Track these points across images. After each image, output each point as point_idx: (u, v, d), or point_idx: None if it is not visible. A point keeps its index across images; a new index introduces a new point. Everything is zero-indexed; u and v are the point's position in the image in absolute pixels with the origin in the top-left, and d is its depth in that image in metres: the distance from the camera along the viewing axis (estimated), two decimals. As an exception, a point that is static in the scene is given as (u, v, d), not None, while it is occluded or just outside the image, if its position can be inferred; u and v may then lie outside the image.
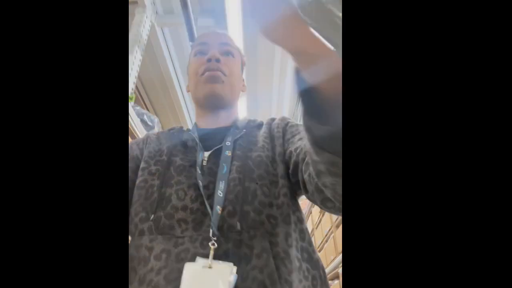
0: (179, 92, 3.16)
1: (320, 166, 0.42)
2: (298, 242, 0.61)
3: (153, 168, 0.68)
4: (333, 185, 0.42)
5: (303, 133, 0.64)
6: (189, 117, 3.47)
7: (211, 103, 0.78)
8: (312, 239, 3.33)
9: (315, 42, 0.31)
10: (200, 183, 0.61)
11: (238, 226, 0.56)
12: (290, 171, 0.64)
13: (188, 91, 0.86)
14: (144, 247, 0.56)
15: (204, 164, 0.67)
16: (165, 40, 2.71)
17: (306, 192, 0.58)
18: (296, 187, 0.64)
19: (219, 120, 0.79)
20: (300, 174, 0.58)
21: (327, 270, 2.77)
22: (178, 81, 3.08)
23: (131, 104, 1.89)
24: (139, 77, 2.21)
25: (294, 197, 0.66)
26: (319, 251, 3.14)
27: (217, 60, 0.77)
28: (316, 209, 3.42)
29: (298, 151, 0.61)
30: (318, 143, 0.37)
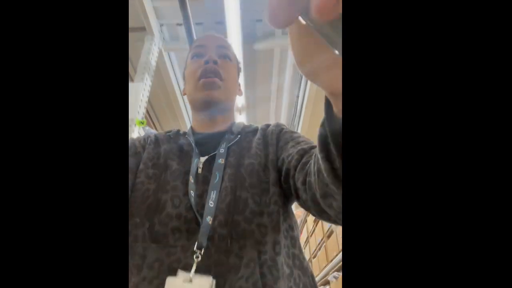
0: (185, 115, 3.18)
1: (333, 193, 0.38)
2: (290, 249, 0.58)
3: (150, 171, 0.64)
4: (340, 208, 0.40)
5: (296, 140, 0.63)
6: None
7: (208, 108, 0.74)
8: (308, 247, 3.30)
9: None
10: (192, 194, 0.58)
11: (228, 237, 0.53)
12: (282, 178, 0.61)
13: (184, 94, 0.81)
14: (138, 255, 0.53)
15: (199, 172, 0.63)
16: (171, 63, 2.74)
17: (298, 198, 0.55)
18: (287, 192, 0.60)
19: (216, 125, 0.75)
20: (292, 181, 0.55)
21: (319, 277, 2.77)
22: (184, 103, 3.10)
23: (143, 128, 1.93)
24: (149, 101, 2.26)
25: (285, 204, 0.62)
26: (313, 257, 3.10)
27: (215, 62, 0.73)
28: (310, 218, 3.39)
29: (290, 158, 0.58)
30: (339, 178, 0.34)
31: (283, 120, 3.35)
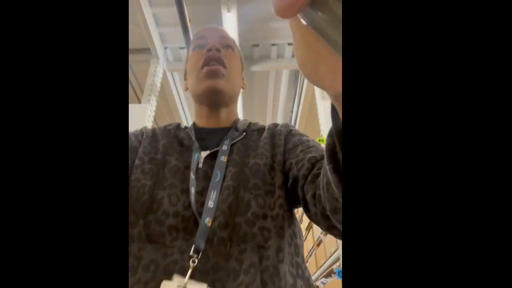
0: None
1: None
2: (294, 257, 0.51)
3: (146, 166, 0.56)
4: None
5: (306, 145, 0.57)
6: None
7: (211, 98, 0.65)
8: (313, 255, 3.19)
9: None
10: (192, 191, 0.51)
11: (228, 240, 0.47)
12: (289, 184, 0.54)
13: (186, 89, 0.71)
14: (133, 256, 0.47)
15: (199, 167, 0.55)
16: (174, 83, 2.77)
17: (308, 211, 0.49)
18: (293, 198, 0.54)
19: (219, 119, 0.66)
20: (301, 192, 0.49)
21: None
22: (186, 119, 3.12)
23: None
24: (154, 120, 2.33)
25: (290, 209, 0.55)
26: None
27: (218, 50, 0.65)
28: (303, 225, 3.35)
29: (299, 165, 0.52)
30: None
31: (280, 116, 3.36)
